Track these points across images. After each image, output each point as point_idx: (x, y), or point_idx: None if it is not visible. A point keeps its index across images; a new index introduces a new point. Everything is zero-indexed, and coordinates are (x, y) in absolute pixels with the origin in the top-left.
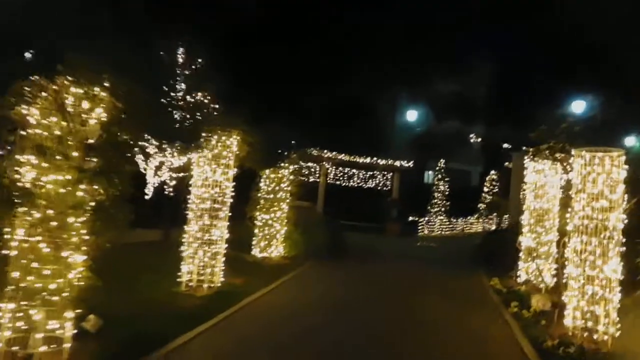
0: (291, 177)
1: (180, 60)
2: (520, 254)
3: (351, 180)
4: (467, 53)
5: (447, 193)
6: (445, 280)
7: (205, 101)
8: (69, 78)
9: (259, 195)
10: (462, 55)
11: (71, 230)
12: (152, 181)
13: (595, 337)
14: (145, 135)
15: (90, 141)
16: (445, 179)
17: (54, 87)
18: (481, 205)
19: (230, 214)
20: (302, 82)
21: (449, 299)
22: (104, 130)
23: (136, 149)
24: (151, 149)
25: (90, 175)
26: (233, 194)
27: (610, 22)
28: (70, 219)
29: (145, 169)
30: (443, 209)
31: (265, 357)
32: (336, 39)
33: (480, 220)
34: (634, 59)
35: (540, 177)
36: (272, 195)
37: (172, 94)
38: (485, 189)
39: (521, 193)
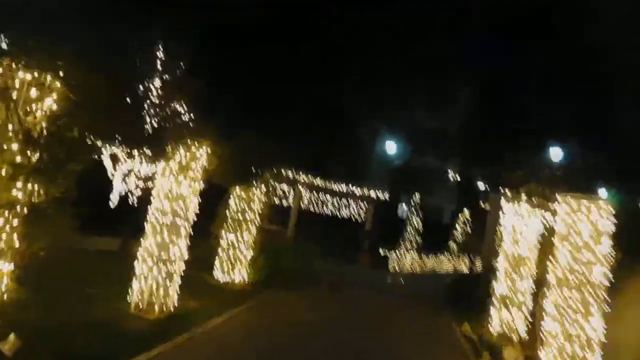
0: (263, 198)
1: (159, 64)
2: (494, 300)
3: (325, 207)
4: (448, 88)
5: (419, 229)
6: (413, 319)
7: (180, 110)
8: (17, 61)
9: (227, 213)
10: (443, 91)
11: None
12: (118, 188)
13: None
14: (115, 138)
15: (33, 134)
16: (419, 215)
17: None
18: (452, 244)
19: (193, 230)
20: (282, 102)
21: (415, 341)
22: (52, 122)
23: (101, 150)
24: (120, 154)
25: (29, 172)
26: (198, 210)
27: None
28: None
29: (112, 175)
30: (415, 245)
31: None
32: (321, 60)
33: (451, 259)
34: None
35: (518, 221)
36: (241, 216)
37: (146, 99)
38: (458, 228)
39: (496, 236)
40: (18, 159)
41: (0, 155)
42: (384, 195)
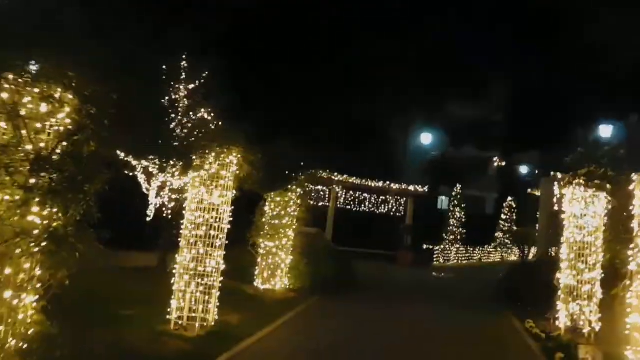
0: (299, 201)
1: (184, 74)
2: (559, 293)
3: (362, 205)
4: (485, 75)
5: (463, 220)
6: (470, 320)
7: (209, 118)
8: (25, 75)
9: (263, 220)
10: (480, 78)
11: (17, 265)
12: (154, 202)
13: None
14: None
15: (46, 153)
16: (462, 206)
17: (5, 84)
18: (498, 234)
19: (229, 240)
20: (314, 103)
21: (476, 344)
22: (65, 139)
23: (131, 165)
24: (152, 168)
25: (42, 195)
26: (231, 219)
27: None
28: (17, 250)
29: (147, 190)
30: (459, 237)
31: None
32: (350, 60)
33: (499, 249)
34: None
35: (579, 205)
36: (277, 221)
37: (171, 109)
38: (503, 217)
39: (553, 223)
40: (32, 181)
41: (11, 178)
42: (423, 189)
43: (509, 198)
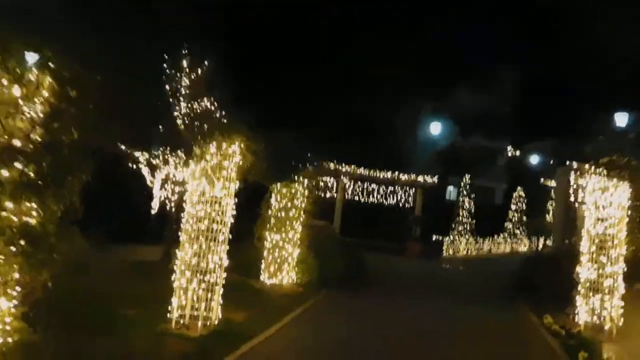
0: (306, 192)
1: (185, 63)
2: (579, 288)
3: (370, 196)
4: (495, 63)
5: (472, 211)
6: (483, 313)
7: (212, 108)
8: None
9: (269, 212)
10: (489, 66)
11: None
12: (158, 195)
13: None
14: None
15: (19, 142)
16: (471, 196)
17: None
18: (508, 225)
19: (234, 234)
20: (321, 93)
21: (495, 345)
22: (41, 126)
23: (138, 160)
24: (154, 160)
25: (15, 189)
26: (235, 212)
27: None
28: None
29: (151, 182)
30: (468, 228)
31: None
32: (357, 49)
33: (508, 240)
34: None
35: (603, 197)
36: (283, 213)
37: (173, 98)
38: (513, 207)
39: (568, 213)
40: (4, 173)
41: None
42: (432, 180)
43: (519, 188)
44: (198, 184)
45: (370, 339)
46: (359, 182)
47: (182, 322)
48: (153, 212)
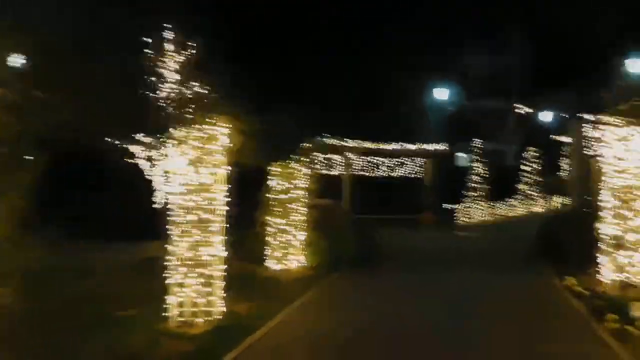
0: (306, 171)
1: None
2: (601, 245)
3: (379, 170)
4: (498, 15)
5: (485, 176)
6: (505, 284)
7: (203, 92)
8: None
9: (270, 196)
10: (493, 19)
11: None
12: (161, 189)
13: None
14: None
15: None
16: (483, 160)
17: None
18: (523, 187)
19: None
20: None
21: (516, 310)
22: None
23: (134, 154)
24: (148, 152)
25: None
26: (230, 198)
27: None
28: None
29: (150, 176)
30: (482, 193)
31: None
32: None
33: (525, 202)
34: None
35: (623, 147)
36: (284, 195)
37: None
38: (526, 168)
39: (586, 169)
40: None
41: None
42: (442, 148)
43: (531, 148)
44: (183, 172)
45: (385, 322)
46: (366, 157)
47: (182, 320)
48: (158, 206)
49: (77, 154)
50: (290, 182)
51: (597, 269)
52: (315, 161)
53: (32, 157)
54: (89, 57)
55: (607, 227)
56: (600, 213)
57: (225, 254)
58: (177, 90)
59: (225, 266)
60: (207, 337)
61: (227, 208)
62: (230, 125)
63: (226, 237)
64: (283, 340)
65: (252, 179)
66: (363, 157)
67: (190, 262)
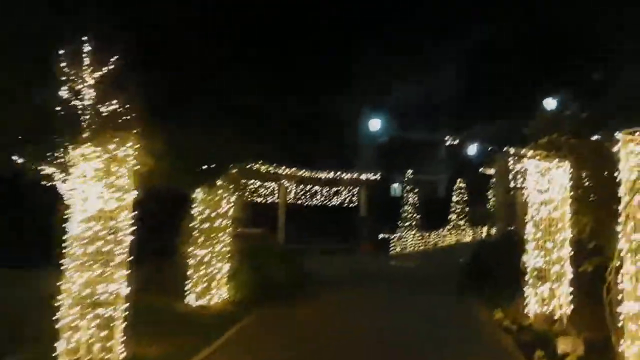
0: (232, 198)
1: (87, 60)
2: (526, 277)
3: (314, 199)
4: (432, 54)
5: (416, 205)
6: (435, 310)
7: (122, 110)
8: None
9: (192, 225)
10: (428, 57)
11: None
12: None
13: None
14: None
15: None
16: (415, 191)
17: None
18: (452, 217)
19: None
20: (255, 93)
21: (445, 343)
22: None
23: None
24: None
25: None
26: (134, 227)
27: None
28: None
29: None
30: (414, 223)
31: None
32: (292, 44)
33: (452, 232)
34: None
35: (545, 179)
36: (208, 224)
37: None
38: (455, 199)
39: (510, 200)
40: None
41: None
42: (375, 176)
43: (459, 179)
44: (81, 196)
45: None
46: (302, 185)
47: None
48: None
49: None
50: (214, 210)
51: (523, 300)
52: (246, 188)
53: None
54: None
55: (531, 259)
56: (525, 245)
57: (127, 290)
58: (90, 106)
59: (127, 304)
60: None
61: (133, 237)
62: (138, 145)
63: (138, 271)
64: None
65: (172, 204)
66: (299, 186)
67: (86, 301)
